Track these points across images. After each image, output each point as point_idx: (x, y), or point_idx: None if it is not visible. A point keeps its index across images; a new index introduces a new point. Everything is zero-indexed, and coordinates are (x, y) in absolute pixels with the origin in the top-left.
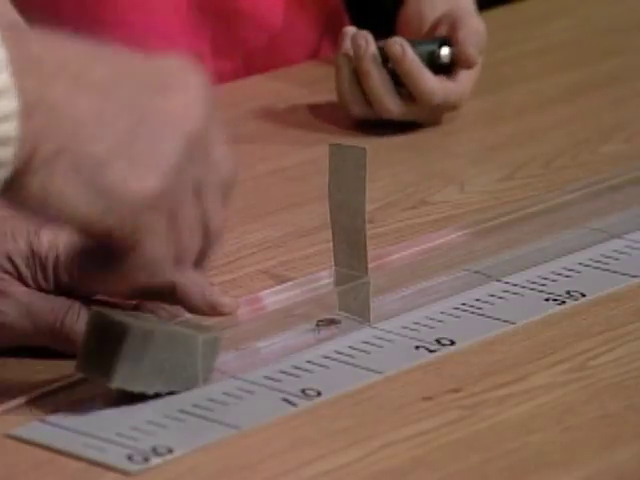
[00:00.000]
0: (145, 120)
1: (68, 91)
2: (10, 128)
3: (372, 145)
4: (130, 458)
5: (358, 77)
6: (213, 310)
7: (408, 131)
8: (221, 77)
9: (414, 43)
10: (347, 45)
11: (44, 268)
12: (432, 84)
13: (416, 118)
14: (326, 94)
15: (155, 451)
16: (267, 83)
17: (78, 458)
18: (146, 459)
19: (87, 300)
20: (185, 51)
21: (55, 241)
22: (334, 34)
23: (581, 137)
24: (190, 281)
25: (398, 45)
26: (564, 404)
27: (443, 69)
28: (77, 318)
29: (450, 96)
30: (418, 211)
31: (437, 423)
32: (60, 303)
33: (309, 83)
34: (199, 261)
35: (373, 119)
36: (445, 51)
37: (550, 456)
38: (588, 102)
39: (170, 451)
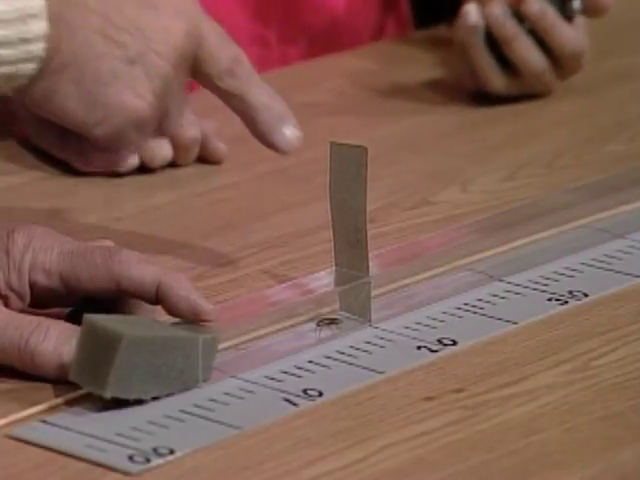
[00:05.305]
0: (144, 36)
1: (83, 12)
2: (42, 27)
3: (373, 144)
4: (131, 458)
5: (500, 46)
6: (195, 316)
7: (409, 130)
8: (287, 63)
9: None
10: (472, 19)
11: (19, 270)
12: (569, 33)
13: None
14: (326, 92)
15: (156, 451)
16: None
17: (79, 458)
18: (147, 459)
19: (61, 313)
20: (250, 39)
21: (30, 243)
22: (396, 14)
23: (583, 136)
24: (176, 284)
25: (536, 3)
26: (567, 404)
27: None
28: (43, 337)
29: (582, 44)
30: (420, 211)
31: (439, 423)
32: (27, 321)
33: (311, 80)
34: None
35: (514, 94)
36: (577, 3)
37: (553, 456)
38: (590, 101)
39: (171, 451)
